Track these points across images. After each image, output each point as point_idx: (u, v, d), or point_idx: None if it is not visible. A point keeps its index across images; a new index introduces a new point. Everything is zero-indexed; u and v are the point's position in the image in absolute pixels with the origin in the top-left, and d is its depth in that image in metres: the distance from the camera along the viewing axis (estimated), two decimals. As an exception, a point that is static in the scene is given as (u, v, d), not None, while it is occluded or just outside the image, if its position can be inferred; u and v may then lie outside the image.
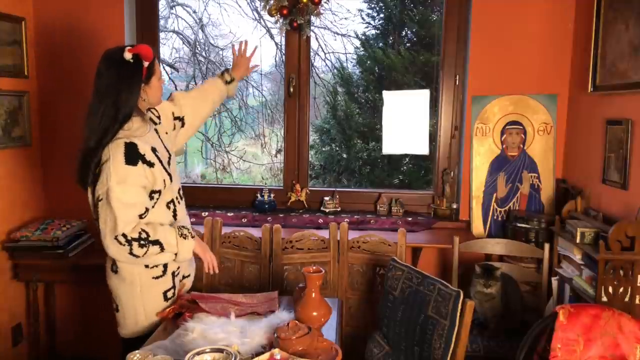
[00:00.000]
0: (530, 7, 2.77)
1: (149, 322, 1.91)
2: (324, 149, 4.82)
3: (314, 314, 1.72)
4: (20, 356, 2.90)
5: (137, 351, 1.48)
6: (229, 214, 2.98)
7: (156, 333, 1.75)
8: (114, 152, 1.75)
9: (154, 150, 1.85)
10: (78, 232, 2.86)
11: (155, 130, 1.95)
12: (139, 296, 1.89)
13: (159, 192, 1.86)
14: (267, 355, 1.43)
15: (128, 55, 1.78)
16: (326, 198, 3.05)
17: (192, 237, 1.92)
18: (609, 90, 2.35)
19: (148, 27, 3.06)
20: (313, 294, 1.73)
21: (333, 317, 1.80)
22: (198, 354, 1.43)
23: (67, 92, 2.98)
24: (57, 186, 3.05)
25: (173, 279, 1.96)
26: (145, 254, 1.79)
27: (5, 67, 2.73)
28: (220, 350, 1.45)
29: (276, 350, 1.44)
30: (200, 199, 3.14)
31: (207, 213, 2.92)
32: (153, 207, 1.85)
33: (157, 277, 1.91)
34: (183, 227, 1.92)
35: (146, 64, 1.82)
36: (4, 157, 2.75)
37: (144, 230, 1.78)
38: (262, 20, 4.21)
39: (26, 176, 2.93)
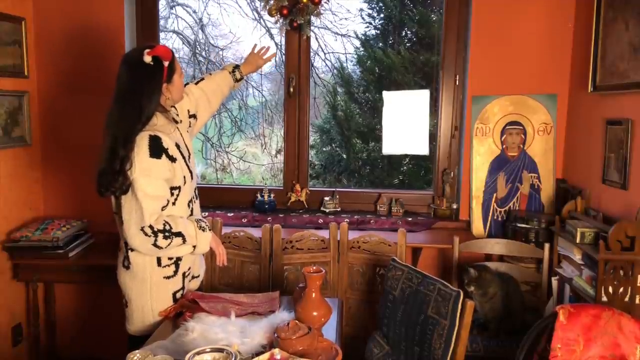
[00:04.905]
0: (530, 7, 2.77)
1: (156, 321, 1.91)
2: (324, 149, 4.82)
3: (314, 314, 1.72)
4: (20, 356, 2.90)
5: (137, 351, 1.49)
6: (229, 214, 2.98)
7: (156, 333, 1.75)
8: (139, 144, 1.75)
9: (177, 146, 1.87)
10: (78, 232, 2.86)
11: (177, 128, 1.97)
12: (148, 294, 1.90)
13: (179, 188, 1.87)
14: (267, 355, 1.43)
15: (148, 59, 1.79)
16: (326, 198, 3.05)
17: (210, 229, 1.95)
18: (609, 90, 2.35)
19: (148, 27, 3.06)
20: (313, 294, 1.73)
21: (333, 317, 1.80)
22: (198, 353, 1.43)
23: (67, 92, 2.98)
24: (57, 186, 3.05)
25: (183, 280, 1.97)
26: (168, 245, 1.81)
27: (5, 67, 2.73)
28: (220, 350, 1.45)
29: (276, 350, 1.44)
30: (200, 199, 3.14)
31: (207, 213, 2.92)
32: (174, 204, 1.86)
33: (168, 277, 1.91)
34: (200, 219, 1.95)
35: (166, 63, 1.82)
36: (4, 157, 2.75)
37: (167, 222, 1.80)
38: (262, 20, 4.21)
39: (26, 176, 2.93)
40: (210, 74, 2.26)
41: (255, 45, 2.38)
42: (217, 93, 2.23)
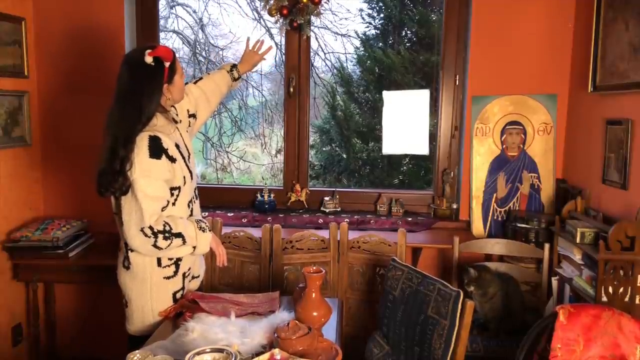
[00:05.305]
0: (530, 7, 2.77)
1: (156, 321, 1.91)
2: (324, 149, 4.82)
3: (314, 314, 1.72)
4: (20, 356, 2.90)
5: (137, 351, 1.49)
6: (229, 214, 2.98)
7: (156, 333, 1.75)
8: (138, 145, 1.75)
9: (177, 146, 1.87)
10: (78, 232, 2.86)
11: (177, 128, 1.97)
12: (148, 295, 1.90)
13: (178, 188, 1.87)
14: (267, 355, 1.43)
15: (149, 59, 1.79)
16: (326, 198, 3.05)
17: (210, 230, 1.95)
18: (609, 90, 2.35)
19: (148, 27, 3.06)
20: (313, 294, 1.73)
21: (333, 317, 1.80)
22: (198, 354, 1.43)
23: (67, 92, 2.98)
24: (57, 186, 3.05)
25: (183, 280, 1.97)
26: (168, 246, 1.81)
27: (5, 67, 2.73)
28: (220, 350, 1.45)
29: (276, 350, 1.44)
30: (200, 199, 3.14)
31: (207, 213, 2.92)
32: (174, 204, 1.87)
33: (168, 277, 1.91)
34: (200, 220, 1.95)
35: (167, 64, 1.82)
36: (4, 157, 2.75)
37: (167, 223, 1.80)
38: (262, 20, 4.21)
39: (26, 176, 2.93)
40: (209, 74, 2.27)
41: (249, 39, 2.37)
42: (216, 92, 2.23)
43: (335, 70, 4.70)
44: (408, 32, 4.68)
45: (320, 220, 2.94)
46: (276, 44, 4.05)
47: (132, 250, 1.87)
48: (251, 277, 2.56)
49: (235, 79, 2.29)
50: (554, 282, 2.46)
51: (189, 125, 2.13)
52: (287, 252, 2.54)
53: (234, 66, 2.29)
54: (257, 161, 4.94)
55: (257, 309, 1.89)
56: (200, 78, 2.23)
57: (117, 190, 1.75)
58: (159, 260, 1.89)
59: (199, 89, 2.17)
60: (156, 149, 1.78)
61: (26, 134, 2.90)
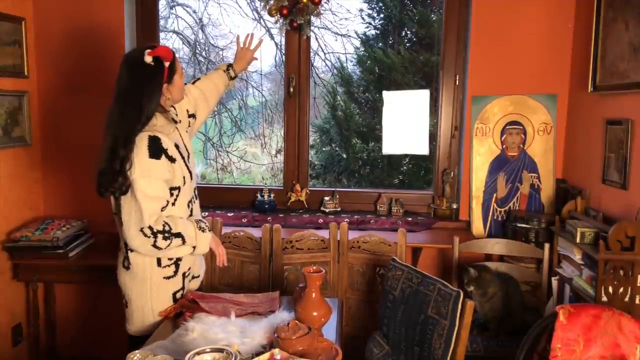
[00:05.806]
0: (530, 7, 2.77)
1: (156, 321, 1.91)
2: (324, 149, 4.82)
3: (314, 314, 1.72)
4: (20, 356, 2.90)
5: (137, 351, 1.49)
6: (229, 214, 2.98)
7: (156, 333, 1.75)
8: (138, 145, 1.76)
9: (177, 146, 1.88)
10: (78, 232, 2.86)
11: (177, 128, 1.98)
12: (148, 294, 1.90)
13: (178, 188, 1.88)
14: (267, 355, 1.43)
15: (148, 59, 1.79)
16: (326, 198, 3.05)
17: (209, 230, 1.96)
18: (609, 90, 2.35)
19: (148, 27, 3.06)
20: (313, 294, 1.73)
21: (333, 317, 1.80)
22: (198, 354, 1.43)
23: (67, 92, 2.98)
24: (57, 186, 3.05)
25: (183, 280, 1.97)
26: (168, 246, 1.81)
27: (5, 67, 2.73)
28: (220, 350, 1.45)
29: (276, 350, 1.44)
30: (200, 199, 3.14)
31: (207, 213, 2.92)
32: (173, 204, 1.87)
33: (168, 277, 1.91)
34: (200, 220, 1.95)
35: (167, 64, 1.83)
36: (4, 157, 2.75)
37: (166, 223, 1.80)
38: (262, 20, 4.21)
39: (26, 176, 2.93)
40: (206, 74, 2.30)
41: (238, 37, 2.38)
42: (214, 92, 2.25)
43: (335, 70, 4.70)
44: (408, 32, 4.68)
45: (320, 220, 2.94)
46: (276, 44, 4.05)
47: (132, 250, 1.87)
48: (251, 277, 2.56)
49: (231, 78, 2.31)
50: (554, 282, 2.46)
51: (189, 126, 2.13)
52: (287, 252, 2.54)
53: (229, 66, 2.31)
54: (257, 161, 4.94)
55: (257, 309, 1.89)
56: (198, 79, 2.24)
57: (116, 190, 1.75)
58: (158, 260, 1.89)
59: (197, 89, 2.18)
60: (156, 149, 1.78)
61: (26, 134, 2.90)
